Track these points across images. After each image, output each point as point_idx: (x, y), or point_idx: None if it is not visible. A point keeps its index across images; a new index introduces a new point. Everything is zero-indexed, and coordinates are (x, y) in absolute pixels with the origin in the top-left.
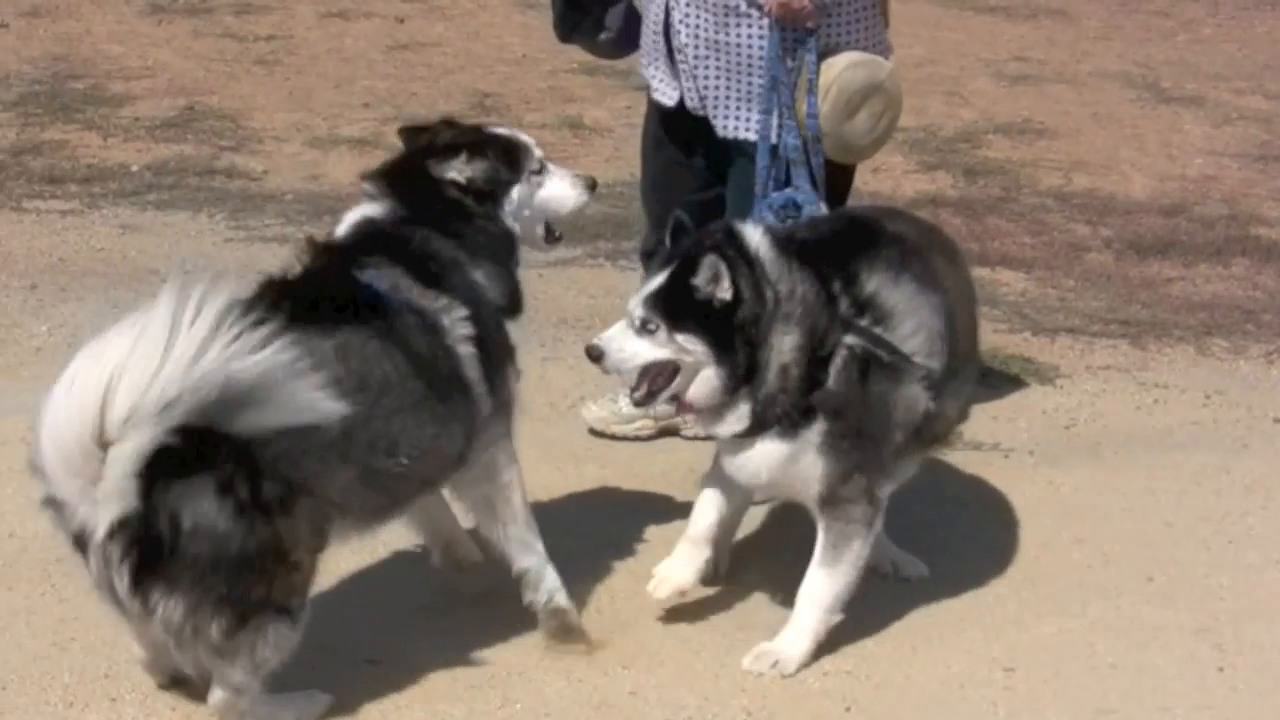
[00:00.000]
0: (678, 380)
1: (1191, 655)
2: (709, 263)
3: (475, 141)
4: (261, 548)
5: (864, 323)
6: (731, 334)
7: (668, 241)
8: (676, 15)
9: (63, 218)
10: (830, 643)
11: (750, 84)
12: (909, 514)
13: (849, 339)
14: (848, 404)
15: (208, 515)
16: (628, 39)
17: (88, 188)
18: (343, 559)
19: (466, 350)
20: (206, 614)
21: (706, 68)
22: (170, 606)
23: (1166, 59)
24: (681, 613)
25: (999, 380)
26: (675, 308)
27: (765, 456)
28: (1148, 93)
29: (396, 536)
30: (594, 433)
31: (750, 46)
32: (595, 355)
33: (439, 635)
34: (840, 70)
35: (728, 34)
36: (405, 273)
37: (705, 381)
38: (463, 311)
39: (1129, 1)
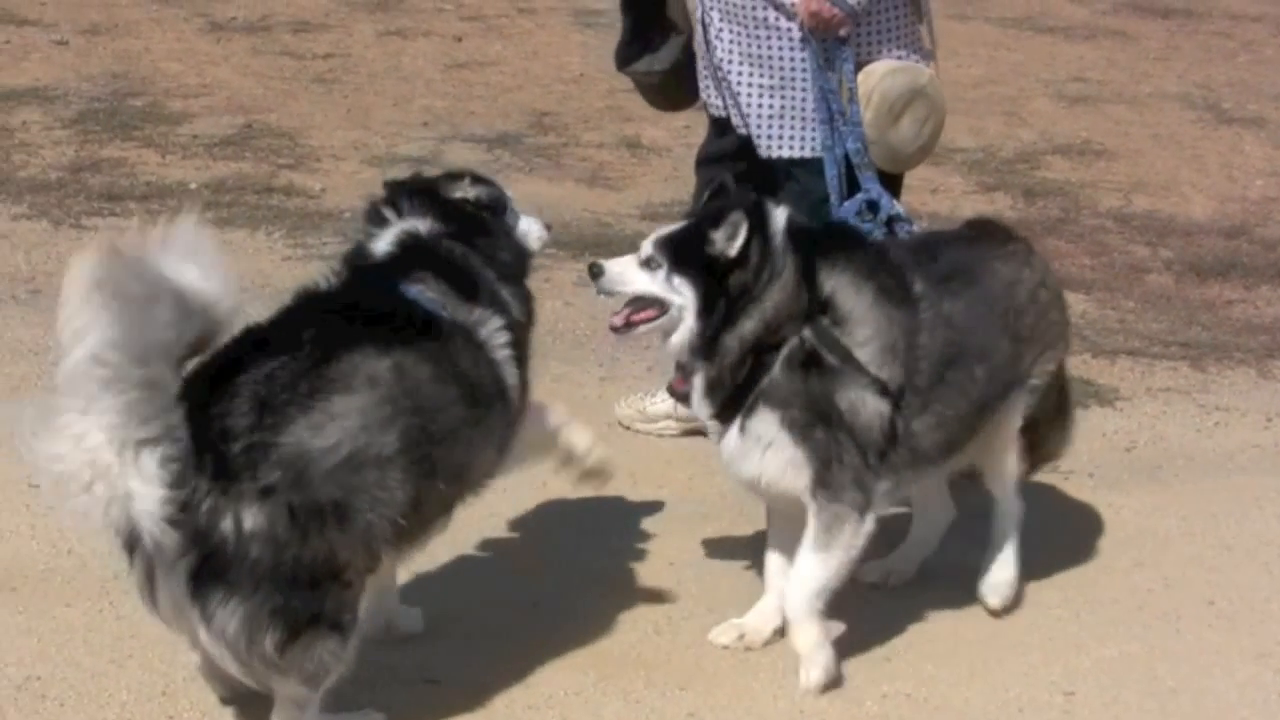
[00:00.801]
0: (659, 321)
1: (1253, 680)
2: (734, 219)
3: (472, 173)
4: (315, 559)
5: (825, 321)
6: (720, 295)
7: (704, 198)
8: (712, 31)
9: (121, 235)
10: (889, 665)
11: (791, 99)
12: (969, 536)
13: (804, 332)
14: (792, 395)
15: (266, 522)
16: (678, 81)
17: (146, 205)
18: (403, 581)
19: (506, 359)
20: (261, 625)
21: (748, 84)
22: (226, 615)
23: (1227, 80)
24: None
25: None
26: (682, 253)
27: (739, 447)
28: (1208, 114)
29: (457, 559)
30: (622, 425)
31: (786, 60)
32: (595, 273)
33: (498, 656)
34: (880, 77)
35: (761, 47)
36: (450, 288)
37: (682, 331)
38: (498, 322)
39: (1189, 22)
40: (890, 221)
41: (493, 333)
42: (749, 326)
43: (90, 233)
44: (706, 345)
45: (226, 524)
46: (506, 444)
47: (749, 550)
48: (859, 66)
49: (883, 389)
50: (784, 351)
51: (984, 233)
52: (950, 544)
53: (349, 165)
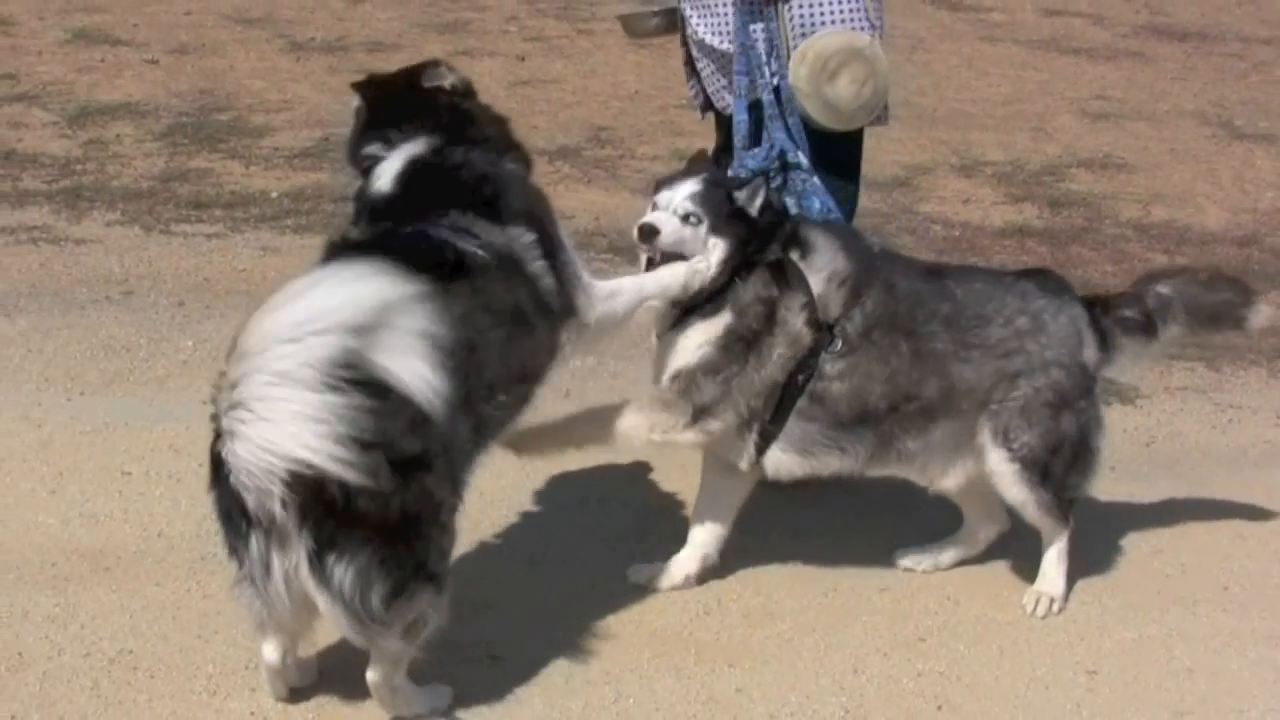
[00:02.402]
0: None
1: (1265, 660)
2: (757, 183)
3: (435, 59)
4: (415, 507)
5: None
6: (740, 249)
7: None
8: (686, 6)
9: (208, 240)
10: (923, 645)
11: (726, 54)
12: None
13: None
14: (747, 305)
15: (370, 475)
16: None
17: (231, 213)
18: (467, 561)
19: (541, 270)
20: (371, 579)
21: (703, 43)
22: (341, 574)
23: (1240, 98)
24: (784, 614)
25: None
26: (719, 212)
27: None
28: (1222, 130)
29: (518, 543)
30: None
31: (723, 14)
32: (649, 234)
33: (557, 634)
34: (817, 37)
35: (711, 4)
36: (473, 214)
37: (700, 279)
38: (529, 237)
39: (1204, 44)
40: (786, 168)
41: (525, 247)
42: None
43: (179, 238)
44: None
45: (333, 485)
46: (555, 344)
47: (792, 538)
48: (803, 35)
49: (814, 319)
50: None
51: (1025, 274)
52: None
53: None
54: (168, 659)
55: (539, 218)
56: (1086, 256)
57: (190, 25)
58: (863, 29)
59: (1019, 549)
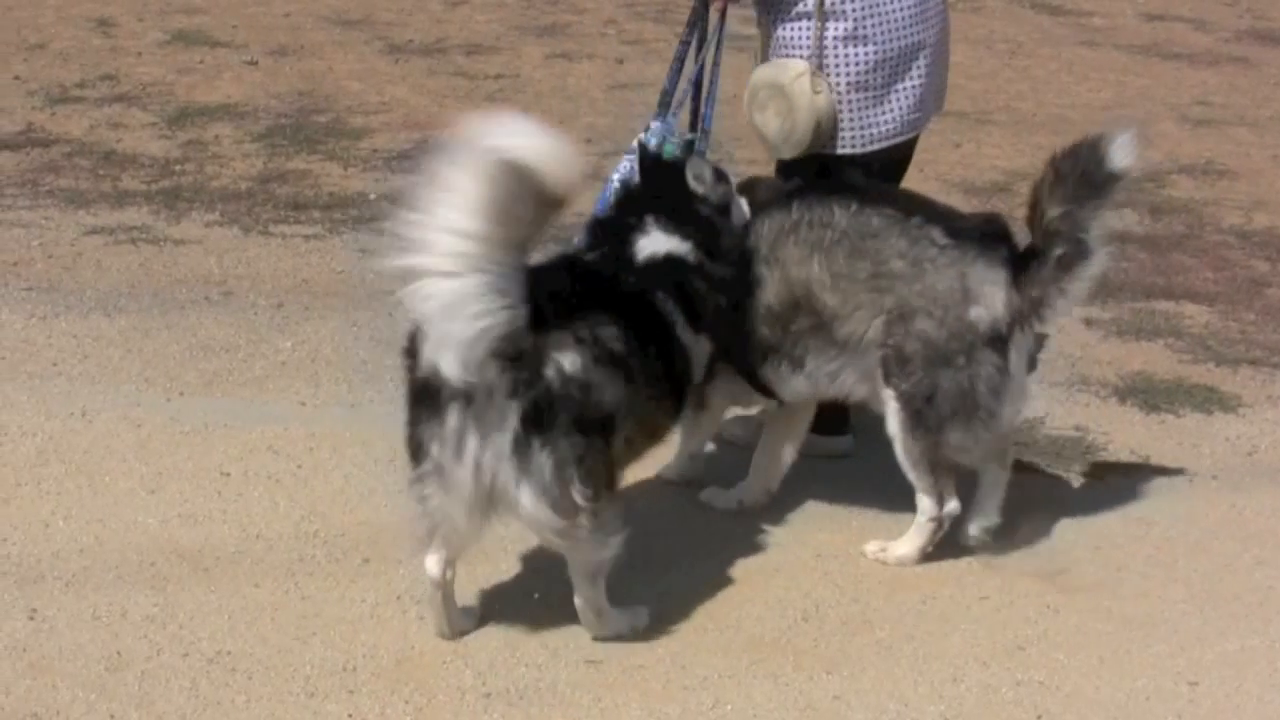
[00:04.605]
0: None
1: None
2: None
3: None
4: (611, 401)
5: None
6: None
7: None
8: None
9: (306, 242)
10: (1023, 654)
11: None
12: (1098, 534)
13: None
14: None
15: (581, 365)
16: None
17: (329, 214)
18: (564, 565)
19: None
20: (570, 470)
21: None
22: (543, 461)
23: None
24: (882, 622)
25: (1184, 408)
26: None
27: None
28: None
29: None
30: None
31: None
32: None
33: (656, 640)
34: (760, 66)
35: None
36: (683, 312)
37: None
38: (705, 349)
39: None
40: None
41: (698, 355)
42: None
43: (277, 239)
44: None
45: (550, 369)
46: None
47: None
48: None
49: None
50: None
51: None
52: (1078, 541)
53: None
54: (265, 660)
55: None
56: (1187, 264)
57: (289, 27)
58: (805, 57)
59: (1121, 559)
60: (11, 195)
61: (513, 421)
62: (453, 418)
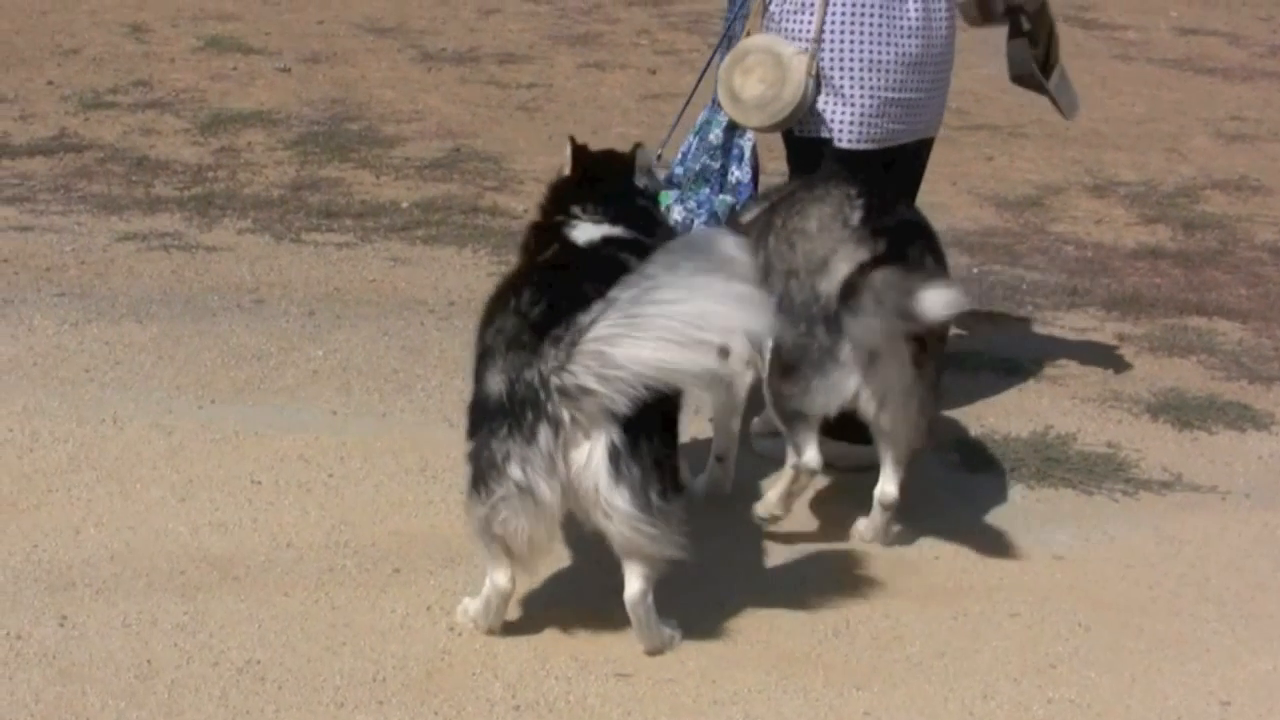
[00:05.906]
0: None
1: None
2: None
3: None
4: (668, 413)
5: None
6: None
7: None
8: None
9: (338, 250)
10: (1054, 672)
11: None
12: (1130, 552)
13: None
14: None
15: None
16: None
17: (361, 222)
18: (594, 578)
19: None
20: (652, 475)
21: None
22: (630, 468)
23: None
24: (913, 638)
25: (1217, 425)
26: None
27: None
28: None
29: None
30: None
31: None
32: None
33: (686, 653)
34: (753, 36)
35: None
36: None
37: None
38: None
39: None
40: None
41: None
42: None
43: (309, 247)
44: None
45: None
46: None
47: (925, 560)
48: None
49: None
50: None
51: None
52: (1110, 558)
53: None
54: (295, 669)
55: None
56: (1221, 280)
57: (322, 34)
58: (803, 47)
59: (1154, 577)
60: (44, 200)
61: (605, 437)
62: (543, 436)
